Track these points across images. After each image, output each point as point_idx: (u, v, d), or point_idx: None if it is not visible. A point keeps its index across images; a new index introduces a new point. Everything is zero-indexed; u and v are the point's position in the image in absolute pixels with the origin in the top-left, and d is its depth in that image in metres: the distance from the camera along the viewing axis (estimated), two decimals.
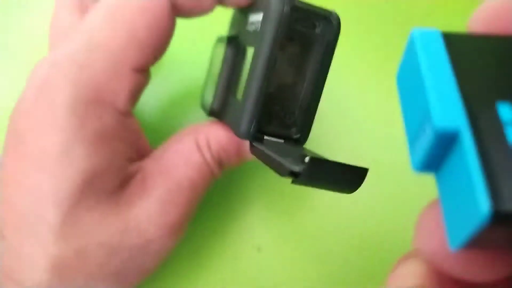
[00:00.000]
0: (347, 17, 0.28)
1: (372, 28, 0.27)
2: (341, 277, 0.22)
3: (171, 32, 0.18)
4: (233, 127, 0.17)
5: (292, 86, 0.17)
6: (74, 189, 0.15)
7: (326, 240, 0.23)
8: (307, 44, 0.16)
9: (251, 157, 0.18)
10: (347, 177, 0.13)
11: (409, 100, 0.09)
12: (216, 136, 0.18)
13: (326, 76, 0.17)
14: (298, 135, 0.17)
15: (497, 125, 0.08)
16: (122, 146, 0.17)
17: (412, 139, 0.09)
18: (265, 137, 0.17)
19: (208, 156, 0.18)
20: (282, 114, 0.17)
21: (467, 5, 0.25)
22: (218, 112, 0.19)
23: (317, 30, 0.16)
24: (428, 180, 0.13)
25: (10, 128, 0.17)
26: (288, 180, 0.13)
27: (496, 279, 0.09)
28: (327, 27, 0.16)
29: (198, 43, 0.25)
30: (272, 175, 0.19)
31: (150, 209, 0.17)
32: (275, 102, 0.17)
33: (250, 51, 0.17)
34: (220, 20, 0.19)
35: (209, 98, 0.19)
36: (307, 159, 0.12)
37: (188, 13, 0.18)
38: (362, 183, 0.13)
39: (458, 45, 0.09)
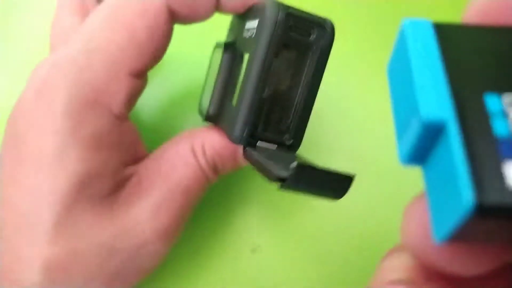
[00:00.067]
0: (347, 17, 0.28)
1: (372, 28, 0.27)
2: (341, 277, 0.22)
3: (169, 37, 0.18)
4: (227, 132, 0.17)
5: (287, 93, 0.17)
6: (68, 191, 0.16)
7: (326, 240, 0.23)
8: (302, 51, 0.17)
9: (246, 163, 0.18)
10: (333, 184, 0.13)
11: (398, 91, 0.09)
12: (211, 141, 0.18)
13: (320, 83, 0.17)
14: (291, 141, 0.17)
15: (484, 117, 0.08)
16: (117, 150, 0.17)
17: (400, 132, 0.09)
18: (258, 143, 0.17)
19: (203, 161, 0.18)
20: (276, 120, 0.17)
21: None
22: (214, 117, 0.19)
23: (312, 37, 0.16)
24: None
25: (10, 128, 0.17)
26: None
27: (483, 273, 0.09)
28: (322, 34, 0.16)
29: (197, 46, 0.25)
30: None
31: (143, 214, 0.17)
32: (269, 108, 0.17)
33: (246, 57, 0.17)
34: (219, 23, 0.20)
35: (206, 103, 0.19)
36: (293, 164, 0.12)
37: (185, 20, 0.18)
38: (348, 190, 0.13)
39: (449, 36, 0.09)
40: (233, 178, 0.23)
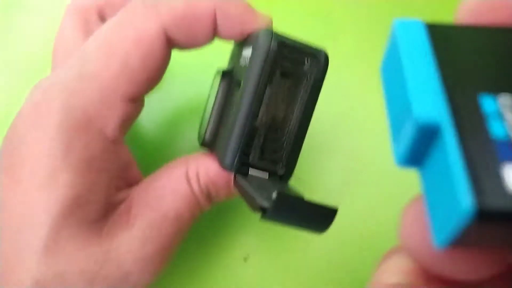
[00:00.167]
0: (347, 17, 0.28)
1: (372, 28, 0.27)
2: (336, 282, 0.22)
3: (166, 63, 0.18)
4: (219, 158, 0.17)
5: (279, 121, 0.17)
6: (57, 215, 0.16)
7: (320, 245, 0.23)
8: (295, 80, 0.17)
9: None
10: (316, 217, 0.13)
11: (392, 92, 0.09)
12: (206, 168, 0.18)
13: (312, 113, 0.17)
14: (283, 171, 0.17)
15: (480, 118, 0.08)
16: (108, 175, 0.17)
17: (395, 133, 0.09)
18: (250, 170, 0.17)
19: (196, 188, 0.18)
20: (268, 148, 0.17)
21: None
22: (210, 143, 0.19)
23: (305, 67, 0.16)
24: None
25: (7, 145, 0.17)
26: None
27: (483, 277, 0.09)
28: (315, 64, 0.16)
29: (196, 67, 0.25)
30: None
31: (131, 241, 0.17)
32: (262, 136, 0.17)
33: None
34: (217, 46, 0.19)
35: (203, 129, 0.19)
36: (274, 194, 0.12)
37: (183, 46, 0.18)
38: (331, 224, 0.13)
39: (441, 36, 0.09)
40: None
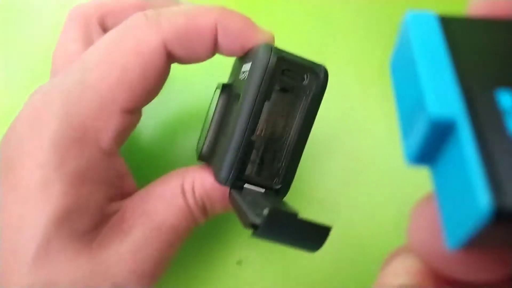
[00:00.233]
0: (347, 17, 0.28)
1: (372, 28, 0.27)
2: (333, 285, 0.22)
3: (165, 76, 0.18)
4: (215, 172, 0.17)
5: (277, 136, 0.17)
6: (48, 225, 0.15)
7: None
8: (294, 95, 0.16)
9: None
10: (309, 235, 0.13)
11: (403, 88, 0.09)
12: (202, 181, 0.18)
13: (311, 129, 0.17)
14: (279, 186, 0.17)
15: (496, 114, 0.07)
16: (102, 186, 0.17)
17: (406, 130, 0.09)
18: (246, 185, 0.17)
19: (191, 200, 0.18)
20: (265, 163, 0.17)
21: None
22: (207, 157, 0.18)
23: (304, 82, 0.16)
24: (429, 180, 0.12)
25: (4, 151, 0.17)
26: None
27: (495, 279, 0.09)
28: (314, 79, 0.16)
29: (195, 78, 0.25)
30: None
31: (123, 254, 0.17)
32: (259, 150, 0.17)
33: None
34: (217, 57, 0.19)
35: (201, 142, 0.19)
36: (265, 211, 0.12)
37: (183, 61, 0.18)
38: (324, 242, 0.13)
39: (455, 29, 0.09)
40: None
